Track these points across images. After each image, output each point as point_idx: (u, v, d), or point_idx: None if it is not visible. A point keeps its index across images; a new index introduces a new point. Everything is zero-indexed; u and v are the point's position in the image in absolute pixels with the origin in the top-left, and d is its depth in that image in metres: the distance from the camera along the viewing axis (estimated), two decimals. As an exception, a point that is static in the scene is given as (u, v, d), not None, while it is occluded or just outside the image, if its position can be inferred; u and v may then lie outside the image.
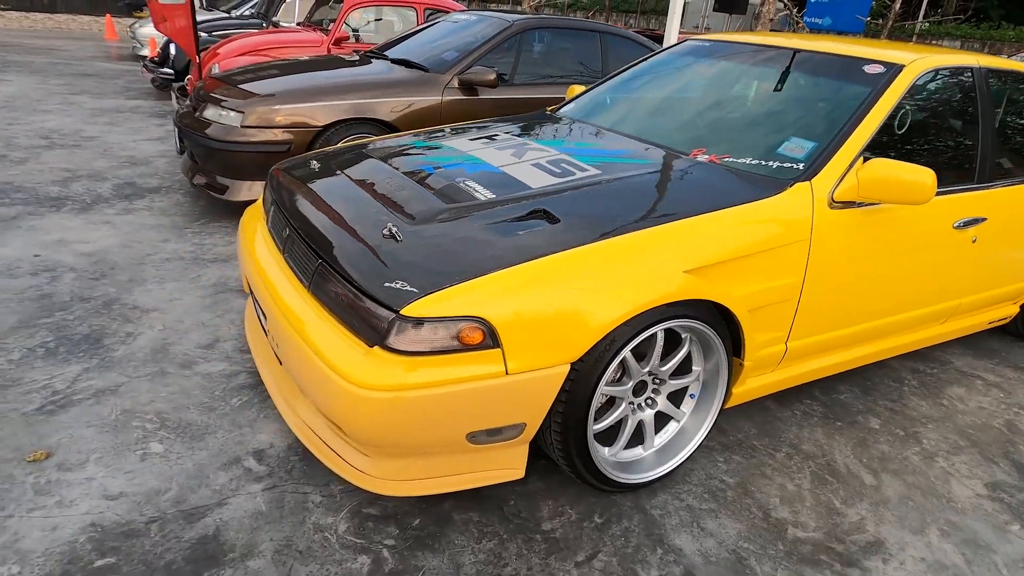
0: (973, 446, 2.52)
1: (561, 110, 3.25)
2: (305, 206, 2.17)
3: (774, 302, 2.16)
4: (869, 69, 2.53)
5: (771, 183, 2.19)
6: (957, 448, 2.50)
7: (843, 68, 2.60)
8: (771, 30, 11.42)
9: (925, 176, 2.12)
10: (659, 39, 9.06)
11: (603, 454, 2.02)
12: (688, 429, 2.19)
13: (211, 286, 3.23)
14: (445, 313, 1.64)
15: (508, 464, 1.89)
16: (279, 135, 3.91)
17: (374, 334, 1.68)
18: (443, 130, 2.93)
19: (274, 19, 8.26)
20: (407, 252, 1.81)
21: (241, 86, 4.11)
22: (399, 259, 1.78)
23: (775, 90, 2.70)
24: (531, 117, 3.13)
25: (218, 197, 3.99)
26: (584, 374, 1.81)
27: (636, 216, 1.97)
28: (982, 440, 2.57)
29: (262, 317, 2.20)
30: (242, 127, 3.89)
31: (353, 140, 4.09)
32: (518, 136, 2.70)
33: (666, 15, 21.30)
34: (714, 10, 17.74)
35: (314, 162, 2.53)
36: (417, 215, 1.97)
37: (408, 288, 1.68)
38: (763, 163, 2.32)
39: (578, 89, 3.47)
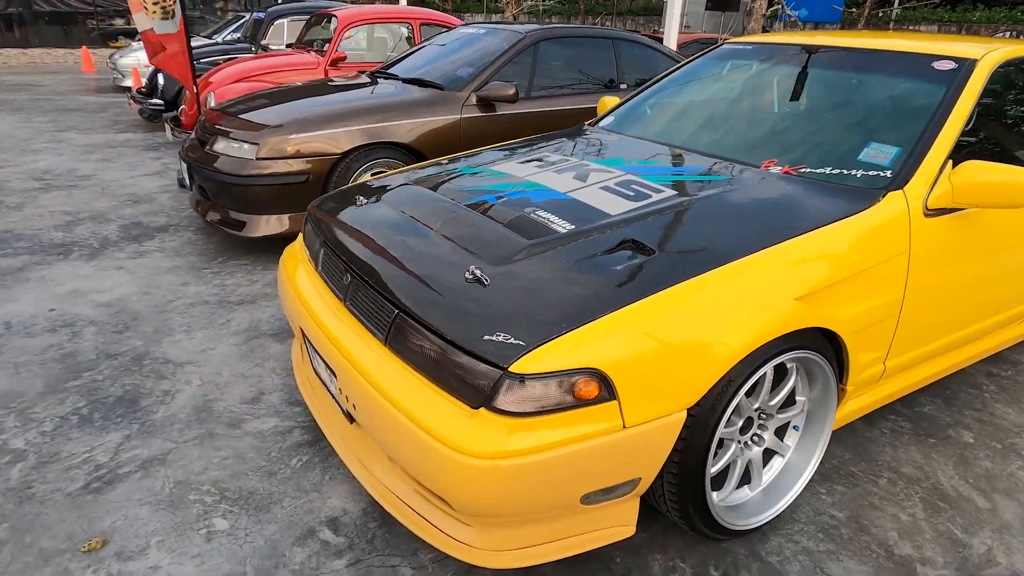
0: (1075, 455, 2.39)
1: (601, 123, 3.11)
2: (364, 249, 2.00)
3: (877, 321, 2.01)
4: (939, 66, 2.41)
5: (861, 194, 2.06)
6: (1059, 459, 2.37)
7: (909, 66, 2.47)
8: (762, 27, 11.37)
9: (1018, 176, 1.99)
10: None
11: (713, 499, 1.86)
12: (793, 464, 2.03)
13: (243, 332, 3.05)
14: (557, 367, 1.48)
15: (619, 521, 1.73)
16: (297, 165, 3.74)
17: (476, 394, 1.51)
18: (484, 154, 2.78)
19: (263, 42, 8.07)
20: (498, 298, 1.64)
21: (248, 116, 3.93)
22: (492, 307, 1.62)
23: (837, 93, 2.57)
24: (573, 134, 2.98)
25: (234, 234, 3.81)
26: (701, 419, 1.65)
27: (732, 241, 1.82)
28: (1081, 447, 2.44)
29: (322, 370, 2.03)
30: (257, 159, 3.71)
31: (377, 168, 3.94)
32: (572, 156, 2.54)
33: (642, 16, 21.29)
34: (706, 9, 17.75)
35: (360, 197, 2.36)
36: (496, 255, 1.81)
37: (512, 341, 1.51)
38: (845, 172, 2.18)
39: (611, 101, 3.33)
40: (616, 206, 2.04)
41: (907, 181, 2.07)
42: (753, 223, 1.92)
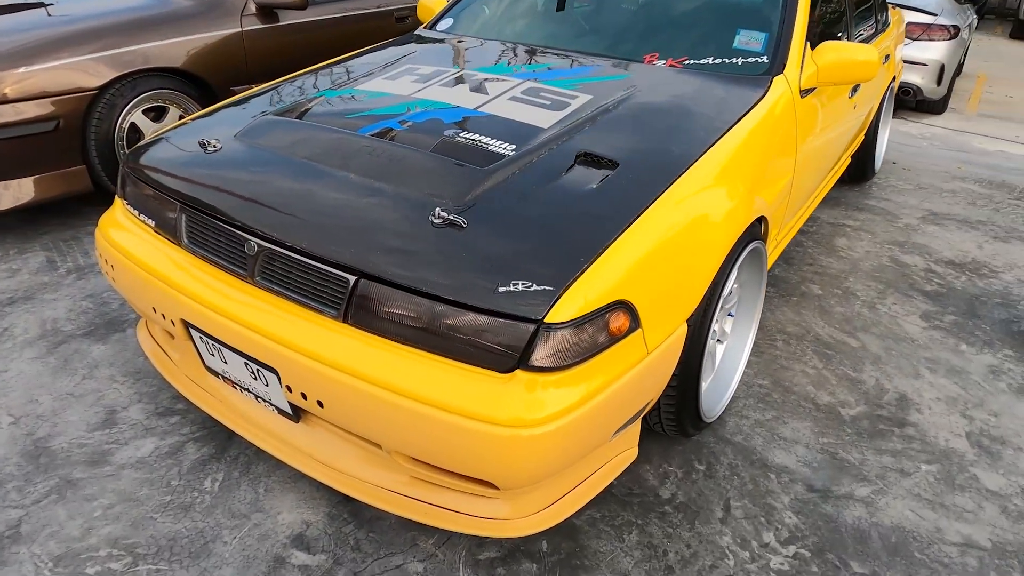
0: (888, 287, 2.90)
1: (439, 27, 2.79)
2: (268, 207, 1.57)
3: (784, 195, 2.16)
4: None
5: (752, 81, 2.13)
6: (881, 293, 2.85)
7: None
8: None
9: (872, 53, 2.21)
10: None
11: (702, 402, 1.90)
12: (732, 347, 2.15)
13: (39, 339, 2.31)
14: (591, 307, 1.32)
15: (624, 447, 1.68)
16: (34, 109, 2.82)
17: (505, 357, 1.30)
18: (326, 73, 2.33)
19: None
20: (484, 240, 1.41)
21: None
22: (484, 252, 1.38)
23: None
24: (420, 41, 2.62)
25: (-41, 212, 2.82)
26: (696, 327, 1.64)
27: (680, 144, 1.77)
28: (889, 279, 2.96)
29: (237, 368, 1.61)
30: (-26, 107, 2.72)
31: (148, 104, 3.16)
32: (448, 67, 2.24)
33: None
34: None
35: (210, 141, 1.83)
36: (450, 191, 1.54)
37: (536, 287, 1.31)
38: (726, 61, 2.24)
39: (435, 2, 3.00)
40: (541, 118, 1.85)
41: (784, 66, 2.18)
42: (685, 122, 1.88)
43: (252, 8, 3.46)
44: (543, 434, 1.28)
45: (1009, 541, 1.71)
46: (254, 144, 1.81)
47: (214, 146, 1.82)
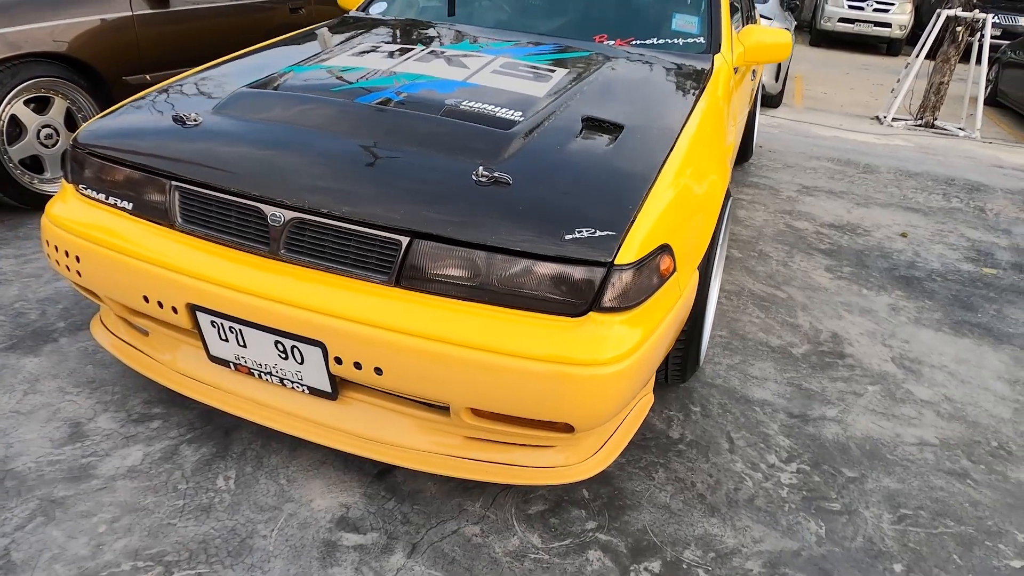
0: (792, 247, 3.27)
1: (372, 11, 2.74)
2: (292, 175, 1.50)
3: (732, 156, 2.40)
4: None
5: (699, 58, 2.33)
6: (788, 253, 3.21)
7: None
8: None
9: (786, 36, 2.52)
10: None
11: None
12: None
13: (-50, 358, 1.98)
14: (646, 249, 1.41)
15: (644, 392, 1.78)
16: None
17: (576, 301, 1.36)
18: (278, 53, 2.23)
19: None
20: (533, 194, 1.45)
21: None
22: (538, 205, 1.42)
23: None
24: (363, 24, 2.55)
25: None
26: (703, 273, 1.78)
27: (667, 109, 1.92)
28: (791, 241, 3.34)
29: (265, 351, 1.52)
30: None
31: (29, 95, 2.82)
32: (412, 45, 2.22)
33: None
34: None
35: (188, 115, 1.69)
36: (482, 152, 1.56)
37: (600, 233, 1.37)
38: (669, 42, 2.43)
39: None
40: (532, 88, 1.91)
41: (720, 45, 2.41)
42: (661, 91, 2.03)
43: (143, -10, 3.17)
44: (620, 371, 1.35)
45: (950, 436, 2.03)
46: (244, 116, 1.70)
47: (194, 120, 1.69)
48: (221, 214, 1.53)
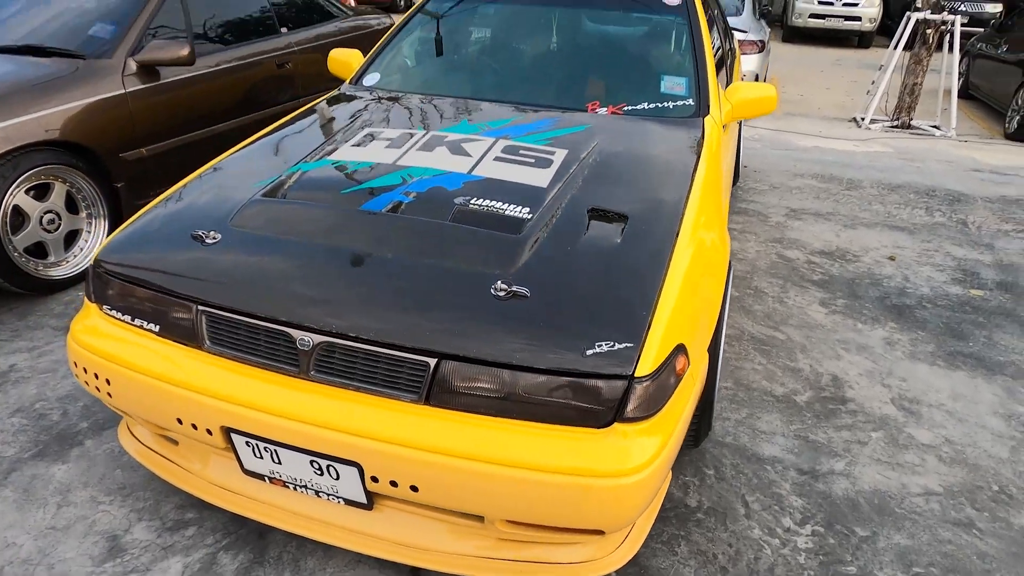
0: (786, 281, 3.36)
1: (365, 82, 2.79)
2: (318, 300, 1.55)
3: (725, 211, 2.47)
4: (668, 1, 2.85)
5: (689, 123, 2.41)
6: (783, 288, 3.30)
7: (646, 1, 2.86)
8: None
9: (772, 90, 2.60)
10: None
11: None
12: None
13: (-21, 471, 2.02)
14: (664, 354, 1.48)
15: (663, 468, 1.86)
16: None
17: (601, 413, 1.42)
18: (281, 145, 2.28)
19: None
20: (549, 305, 1.51)
21: None
22: (555, 317, 1.49)
23: (598, 31, 2.83)
24: (361, 102, 2.60)
25: None
26: (712, 351, 1.85)
27: (665, 189, 1.98)
28: (784, 274, 3.43)
29: (300, 467, 1.57)
30: None
31: (31, 184, 2.84)
32: (411, 129, 2.28)
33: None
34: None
35: (207, 233, 1.74)
36: (495, 261, 1.62)
37: (618, 345, 1.44)
38: (660, 105, 2.50)
39: (347, 54, 2.98)
40: (535, 177, 1.97)
41: (708, 107, 2.48)
42: (657, 169, 2.10)
43: (133, 68, 3.19)
44: (645, 477, 1.42)
45: (952, 483, 2.12)
46: (261, 231, 1.75)
47: (213, 238, 1.74)
48: (250, 337, 1.58)
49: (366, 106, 2.53)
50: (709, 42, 2.71)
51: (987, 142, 6.79)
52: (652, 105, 2.49)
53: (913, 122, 7.16)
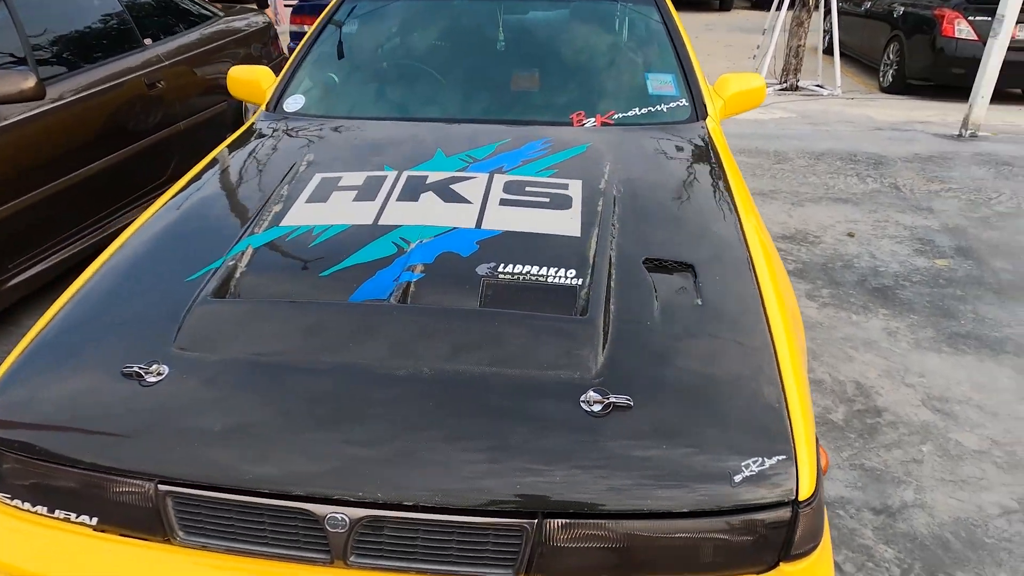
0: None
1: (288, 107, 2.24)
2: (342, 459, 1.09)
3: None
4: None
5: (688, 128, 2.10)
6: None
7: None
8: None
9: (760, 80, 2.34)
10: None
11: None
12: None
13: None
14: (814, 461, 1.15)
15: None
16: None
17: (766, 552, 1.08)
18: (219, 211, 1.73)
19: None
20: (667, 416, 1.14)
21: None
22: (682, 434, 1.12)
23: (558, 27, 2.45)
24: (272, 134, 2.07)
25: None
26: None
27: (704, 218, 1.66)
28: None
29: None
30: None
31: None
32: (375, 171, 1.79)
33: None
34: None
35: (151, 368, 1.22)
36: (560, 361, 1.21)
37: (769, 461, 1.10)
38: (652, 110, 2.17)
39: (254, 73, 2.41)
40: (560, 224, 1.58)
41: (705, 109, 2.18)
42: (687, 192, 1.77)
43: (-39, 109, 2.44)
44: (824, 622, 1.10)
45: (1022, 494, 1.98)
46: (222, 354, 1.24)
47: (157, 373, 1.21)
48: (247, 522, 1.10)
49: (303, 141, 2.01)
50: (683, 28, 2.40)
51: (870, 98, 7.07)
52: (644, 110, 2.15)
53: (800, 83, 7.34)
